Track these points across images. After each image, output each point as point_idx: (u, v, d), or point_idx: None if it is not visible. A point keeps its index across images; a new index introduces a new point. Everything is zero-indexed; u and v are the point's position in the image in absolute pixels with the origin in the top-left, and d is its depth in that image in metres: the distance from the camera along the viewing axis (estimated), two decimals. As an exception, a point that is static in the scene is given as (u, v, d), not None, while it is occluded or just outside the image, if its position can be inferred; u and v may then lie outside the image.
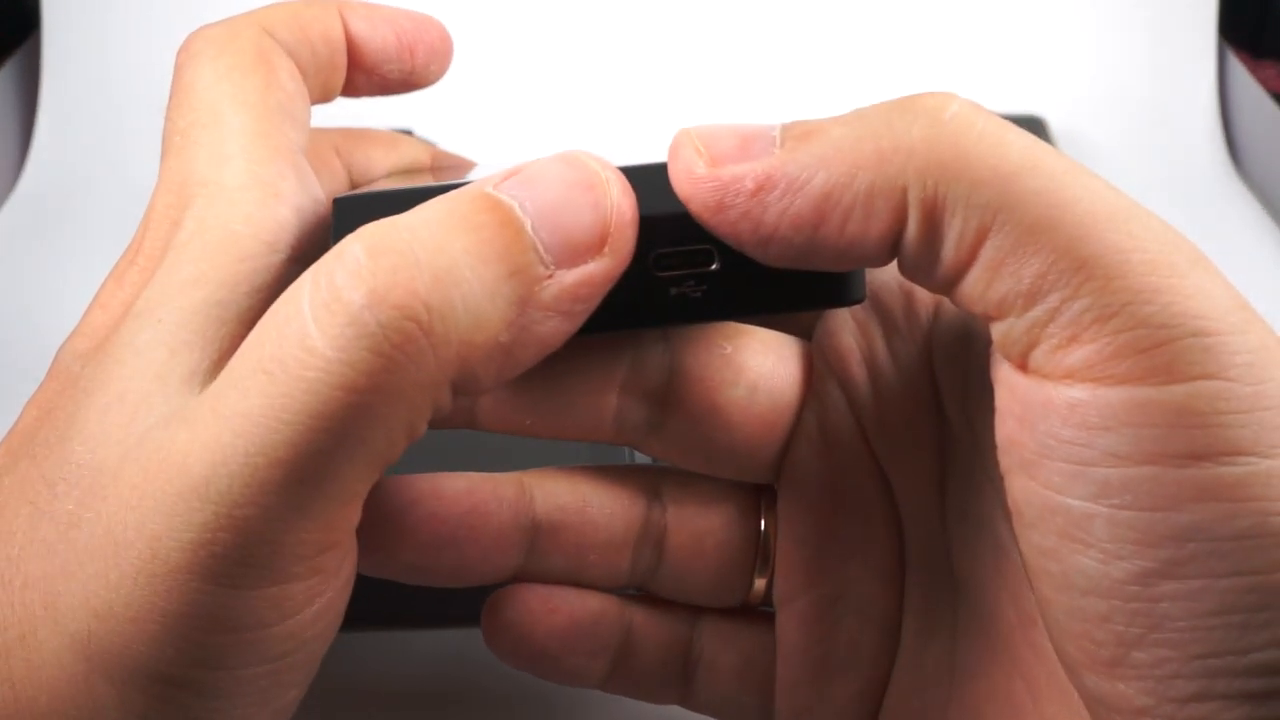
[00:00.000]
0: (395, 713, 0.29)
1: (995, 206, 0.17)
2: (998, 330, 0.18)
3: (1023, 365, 0.18)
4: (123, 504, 0.17)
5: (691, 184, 0.18)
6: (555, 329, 0.18)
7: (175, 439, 0.17)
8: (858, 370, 0.22)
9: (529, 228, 0.18)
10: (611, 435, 0.23)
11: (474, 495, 0.23)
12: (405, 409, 0.17)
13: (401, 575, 0.22)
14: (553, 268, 0.18)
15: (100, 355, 0.19)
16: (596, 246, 0.18)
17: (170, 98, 0.22)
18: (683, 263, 0.20)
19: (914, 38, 0.55)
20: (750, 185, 0.18)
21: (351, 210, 0.19)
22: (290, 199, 0.20)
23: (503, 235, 0.17)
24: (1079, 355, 0.16)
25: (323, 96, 0.24)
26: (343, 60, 0.24)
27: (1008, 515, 0.20)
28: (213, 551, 0.16)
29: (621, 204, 0.18)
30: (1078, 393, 0.17)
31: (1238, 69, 0.55)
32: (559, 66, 0.55)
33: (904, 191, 0.17)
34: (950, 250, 0.17)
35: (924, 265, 0.18)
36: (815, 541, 0.23)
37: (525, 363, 0.18)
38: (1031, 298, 0.17)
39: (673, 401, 0.22)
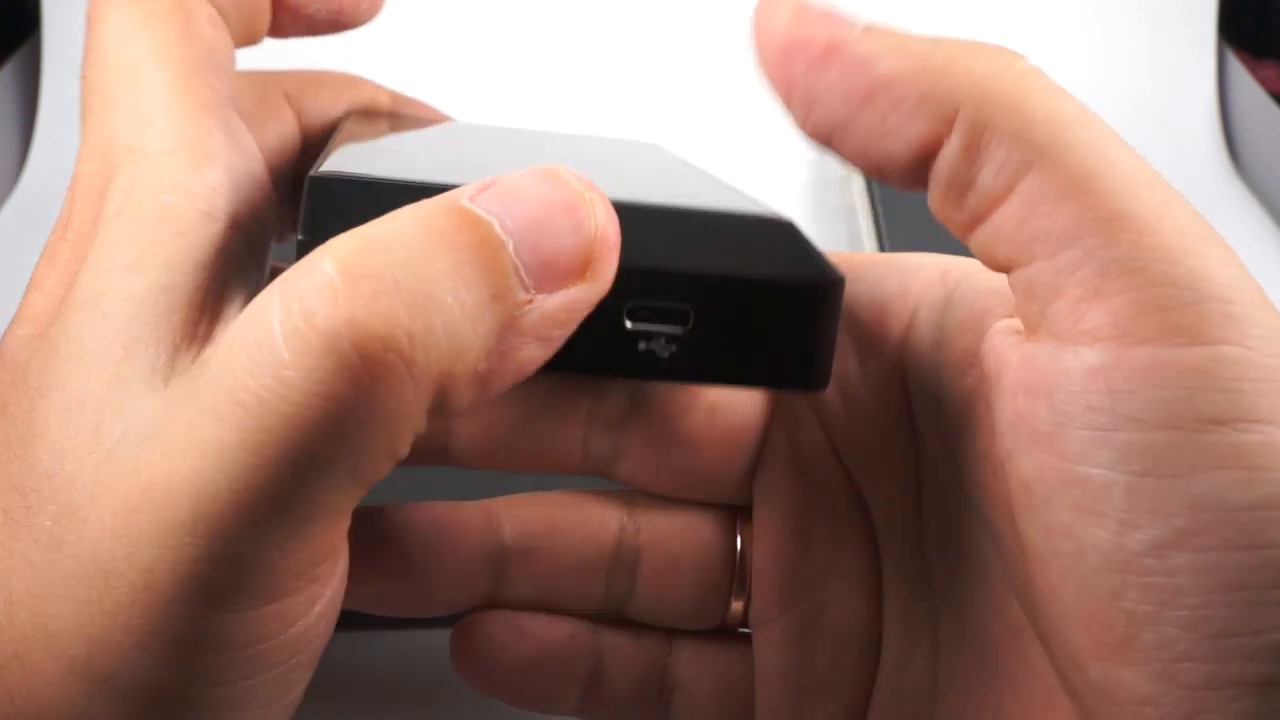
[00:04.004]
0: (389, 712, 0.29)
1: (1043, 145, 0.17)
2: (1020, 278, 0.17)
3: (1036, 330, 0.17)
4: (106, 531, 0.16)
5: (769, 20, 0.18)
6: (533, 356, 0.18)
7: (154, 466, 0.16)
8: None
9: (511, 249, 0.17)
10: (582, 465, 0.23)
11: (438, 524, 0.23)
12: (386, 436, 0.16)
13: (368, 605, 0.22)
14: (533, 292, 0.17)
15: (47, 347, 0.18)
16: (579, 271, 0.17)
17: (84, 55, 0.21)
18: (657, 318, 0.19)
19: (914, 38, 0.55)
20: (821, 46, 0.18)
21: (326, 192, 0.18)
22: (220, 158, 0.19)
23: (482, 256, 0.17)
24: (1102, 310, 0.16)
25: (247, 39, 0.23)
26: (265, 0, 0.23)
27: (987, 529, 0.20)
28: (208, 584, 0.16)
29: (605, 227, 0.18)
30: (1098, 355, 0.16)
31: (1238, 69, 0.55)
32: (550, 67, 0.55)
33: (956, 110, 0.17)
34: (989, 177, 0.17)
35: (957, 185, 0.17)
36: (791, 561, 0.23)
37: (500, 389, 0.18)
38: (1063, 240, 0.17)
39: (635, 429, 0.23)
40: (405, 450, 0.17)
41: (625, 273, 0.18)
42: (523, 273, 0.17)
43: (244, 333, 0.16)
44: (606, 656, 0.24)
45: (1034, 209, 0.17)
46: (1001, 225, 0.17)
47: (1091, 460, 0.16)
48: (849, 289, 0.22)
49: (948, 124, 0.17)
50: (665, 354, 0.20)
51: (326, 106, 0.27)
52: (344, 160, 0.20)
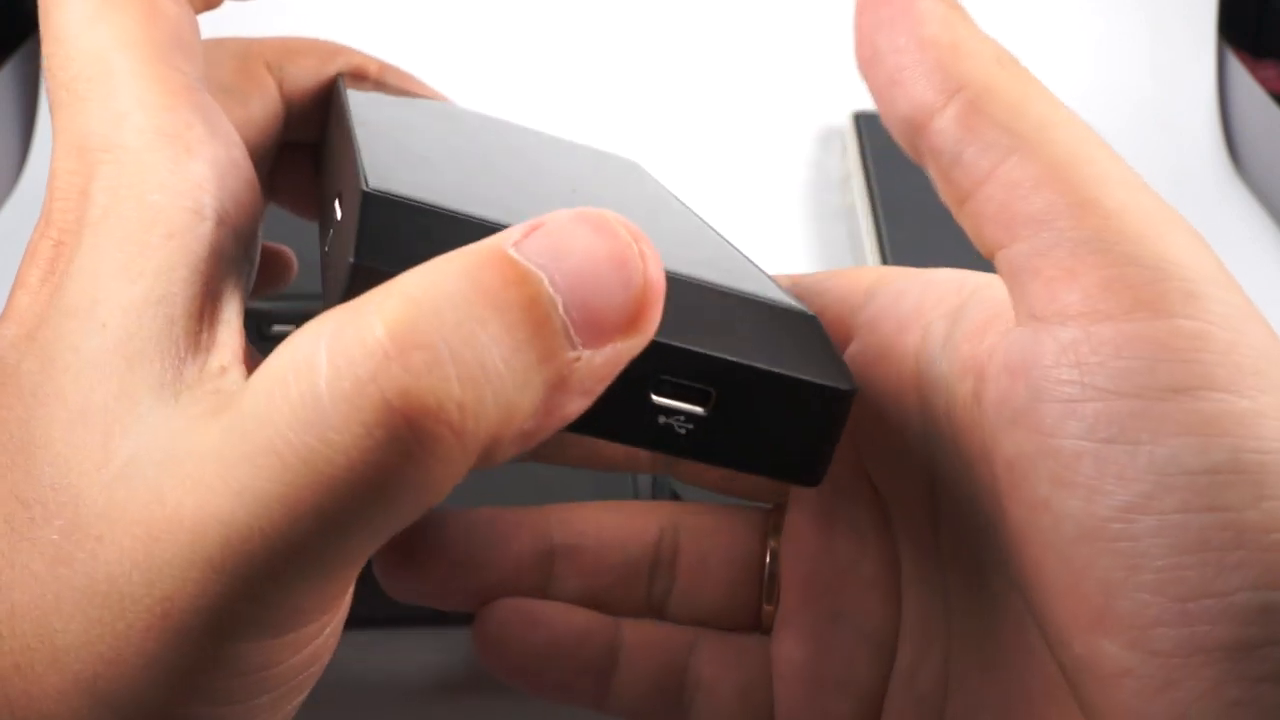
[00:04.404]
0: (390, 712, 0.29)
1: (1027, 137, 0.18)
2: (1004, 259, 0.18)
3: (1019, 314, 0.18)
4: (122, 552, 0.16)
5: None
6: (575, 409, 0.17)
7: (181, 498, 0.16)
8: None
9: (560, 308, 0.16)
10: (649, 463, 0.26)
11: (494, 521, 0.24)
12: (428, 497, 0.16)
13: (429, 599, 0.24)
14: (580, 349, 0.17)
15: (39, 351, 0.18)
16: (626, 327, 0.17)
17: (44, 45, 0.20)
18: (681, 395, 0.20)
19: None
20: None
21: (384, 211, 0.18)
22: (202, 150, 0.19)
23: (532, 316, 0.16)
24: (1073, 289, 0.17)
25: (206, 4, 0.22)
26: None
27: (998, 531, 0.20)
28: (230, 617, 0.16)
29: (654, 278, 0.17)
30: (1069, 331, 0.17)
31: (1238, 69, 0.55)
32: (541, 69, 0.55)
33: (959, 89, 0.18)
34: (975, 156, 0.18)
35: (947, 157, 0.19)
36: (813, 560, 0.24)
37: (539, 440, 0.17)
38: (1039, 223, 0.18)
39: None
40: (440, 500, 0.17)
41: (662, 347, 0.18)
42: (571, 331, 0.16)
43: (285, 381, 0.16)
44: (626, 652, 0.24)
45: (1013, 192, 0.18)
46: (985, 204, 0.18)
47: (1064, 432, 0.17)
48: (875, 303, 0.23)
49: (947, 96, 0.18)
50: (682, 430, 0.20)
51: (308, 74, 0.27)
52: (387, 168, 0.19)
